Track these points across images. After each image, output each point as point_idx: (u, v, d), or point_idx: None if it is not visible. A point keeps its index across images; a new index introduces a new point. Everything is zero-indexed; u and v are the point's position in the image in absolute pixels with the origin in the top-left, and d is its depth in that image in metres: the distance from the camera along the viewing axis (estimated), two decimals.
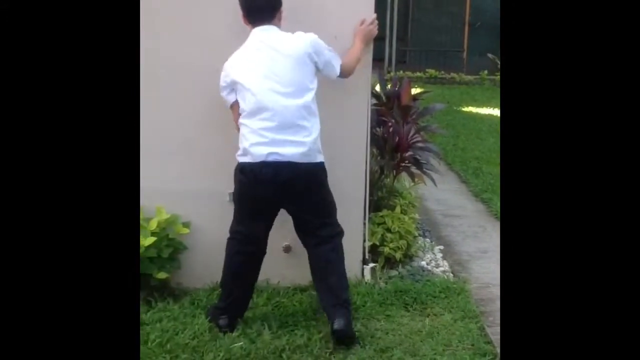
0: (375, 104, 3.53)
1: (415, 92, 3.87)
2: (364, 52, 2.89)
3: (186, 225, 3.00)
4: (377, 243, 3.29)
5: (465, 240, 4.04)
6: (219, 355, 2.47)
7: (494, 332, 2.70)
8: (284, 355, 2.51)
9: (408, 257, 3.47)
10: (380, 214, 3.41)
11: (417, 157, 3.56)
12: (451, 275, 3.38)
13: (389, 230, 3.34)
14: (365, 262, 3.19)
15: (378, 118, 3.51)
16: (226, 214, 2.80)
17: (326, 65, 2.65)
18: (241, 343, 2.55)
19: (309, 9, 2.84)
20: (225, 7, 2.83)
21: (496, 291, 3.08)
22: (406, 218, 3.45)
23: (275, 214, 2.68)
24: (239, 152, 2.59)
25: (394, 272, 3.31)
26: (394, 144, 3.49)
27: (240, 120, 2.59)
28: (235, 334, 2.62)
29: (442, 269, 3.46)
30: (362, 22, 2.86)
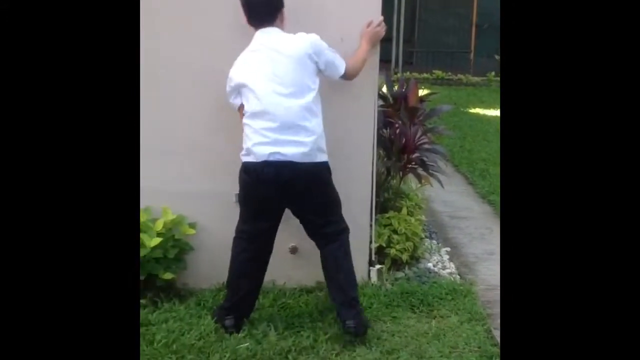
0: (382, 106, 3.53)
1: (422, 94, 3.86)
2: (371, 53, 2.88)
3: (192, 225, 3.00)
4: (384, 245, 3.28)
5: (472, 242, 4.02)
6: (225, 356, 2.47)
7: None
8: (290, 357, 2.51)
9: (414, 258, 3.46)
10: (387, 215, 3.41)
11: (424, 158, 3.55)
12: (458, 277, 3.37)
13: (395, 231, 3.33)
14: (371, 263, 3.19)
15: (385, 119, 3.50)
16: (232, 215, 2.80)
17: (327, 65, 2.65)
18: (247, 344, 2.55)
19: (315, 11, 2.84)
20: (225, 7, 2.84)
21: None
22: (413, 220, 3.44)
23: (280, 214, 2.69)
24: (243, 152, 2.61)
25: (400, 274, 3.30)
26: (400, 145, 3.49)
27: (244, 120, 2.61)
28: (241, 334, 2.62)
29: (448, 270, 3.45)
30: (369, 24, 2.86)
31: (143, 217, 2.85)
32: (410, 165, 3.55)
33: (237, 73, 2.62)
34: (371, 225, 3.18)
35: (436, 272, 3.38)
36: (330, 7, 2.88)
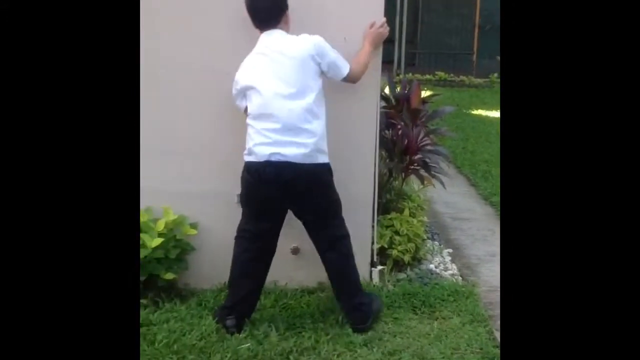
0: (384, 107, 3.53)
1: (425, 95, 3.85)
2: (373, 54, 2.88)
3: (194, 226, 3.00)
4: (386, 246, 3.28)
5: (474, 243, 4.02)
6: (226, 357, 2.47)
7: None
8: (291, 357, 2.50)
9: (416, 260, 3.46)
10: (389, 216, 3.40)
11: (426, 160, 3.55)
12: (460, 278, 3.37)
13: (397, 233, 3.33)
14: (373, 264, 3.18)
15: (387, 121, 3.50)
16: (233, 215, 2.80)
17: (330, 66, 2.65)
18: (248, 344, 2.55)
19: (317, 12, 2.84)
20: (225, 7, 2.84)
21: None
22: (415, 221, 3.43)
23: (282, 215, 2.69)
24: (245, 152, 2.62)
25: (402, 275, 3.30)
26: (403, 146, 3.48)
27: (247, 120, 2.63)
28: (242, 335, 2.62)
29: (450, 272, 3.44)
30: (372, 25, 2.86)
31: (144, 217, 2.85)
32: (412, 167, 3.55)
33: (243, 76, 2.63)
34: (373, 226, 3.18)
35: (438, 274, 3.38)
36: (332, 7, 2.88)
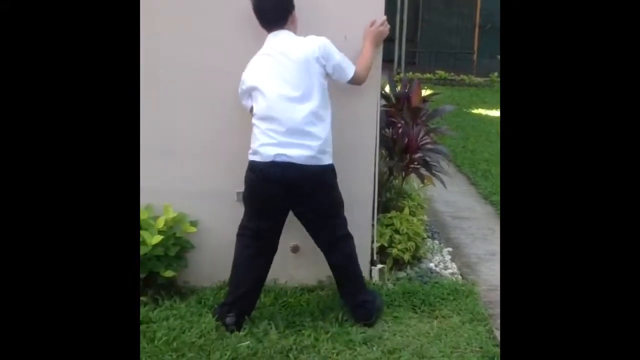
0: (384, 105, 3.52)
1: (425, 94, 3.85)
2: (375, 54, 2.88)
3: (193, 223, 3.00)
4: (386, 244, 3.28)
5: (474, 242, 4.02)
6: (225, 354, 2.47)
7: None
8: (290, 355, 2.50)
9: (416, 258, 3.46)
10: (389, 215, 3.40)
11: (427, 158, 3.55)
12: (460, 277, 3.37)
13: (397, 231, 3.33)
14: (373, 263, 3.18)
15: (387, 119, 3.49)
16: (234, 213, 2.80)
17: (335, 69, 2.65)
18: (248, 342, 2.55)
19: (318, 11, 2.83)
20: (225, 7, 2.83)
21: None
22: (415, 220, 3.43)
23: (285, 214, 2.70)
24: (250, 151, 2.63)
25: (402, 274, 3.30)
26: (403, 145, 3.48)
27: (253, 120, 2.64)
28: (242, 333, 2.62)
29: (450, 271, 3.44)
30: (372, 24, 2.85)
31: (144, 215, 2.85)
32: (412, 165, 3.55)
33: (249, 76, 2.64)
34: (373, 225, 3.18)
35: (438, 272, 3.38)
36: (332, 6, 2.87)
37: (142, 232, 2.76)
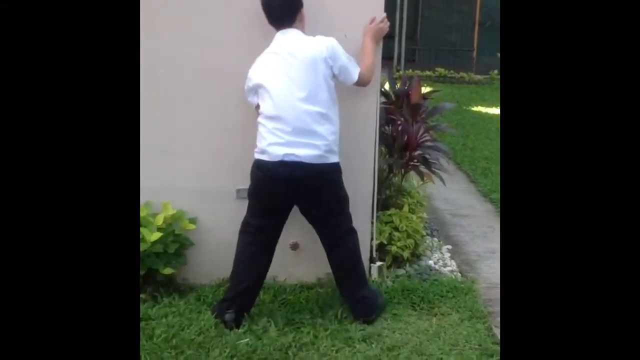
0: (384, 103, 3.52)
1: (425, 91, 3.85)
2: (375, 51, 2.87)
3: (192, 221, 3.00)
4: (385, 242, 3.28)
5: (474, 240, 4.02)
6: (224, 352, 2.47)
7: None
8: (290, 353, 2.50)
9: (416, 256, 3.46)
10: (388, 212, 3.40)
11: (426, 156, 3.54)
12: (459, 275, 3.37)
13: (396, 229, 3.33)
14: (372, 260, 3.18)
15: (387, 117, 3.49)
16: (233, 211, 2.80)
17: (342, 70, 2.66)
18: (247, 339, 2.55)
19: (318, 9, 2.82)
20: (225, 7, 2.83)
21: None
22: (414, 217, 3.43)
23: (288, 211, 2.71)
24: (257, 150, 2.63)
25: (401, 271, 3.30)
26: (402, 142, 3.48)
27: (259, 119, 2.63)
28: (241, 330, 2.62)
29: (449, 268, 3.44)
30: (372, 21, 2.85)
31: (143, 212, 2.85)
32: (412, 163, 3.54)
33: (256, 74, 2.64)
34: (372, 222, 3.18)
35: (437, 270, 3.38)
36: (332, 4, 2.86)
37: (141, 230, 2.76)
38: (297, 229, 2.89)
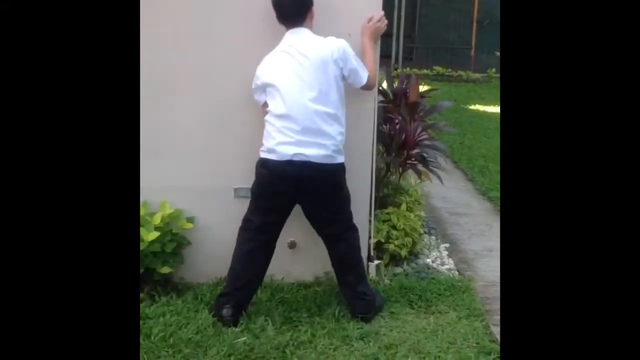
0: (382, 101, 3.52)
1: (423, 90, 3.85)
2: (374, 51, 2.87)
3: (190, 220, 2.99)
4: (383, 240, 3.28)
5: (471, 238, 4.02)
6: (222, 350, 2.46)
7: (499, 331, 2.68)
8: (287, 351, 2.50)
9: (413, 254, 3.46)
10: (386, 211, 3.40)
11: (424, 154, 3.54)
12: (456, 273, 3.37)
13: (394, 227, 3.33)
14: (370, 259, 3.18)
15: (385, 115, 3.49)
16: (230, 210, 2.80)
17: (351, 73, 2.66)
18: (244, 338, 2.55)
19: (319, 9, 2.81)
20: (225, 7, 2.82)
21: None
22: (412, 215, 3.43)
23: (290, 210, 2.72)
24: (263, 149, 2.62)
25: (399, 270, 3.30)
26: (400, 141, 3.48)
27: (267, 118, 2.63)
28: (238, 329, 2.62)
29: (447, 266, 3.44)
30: (369, 20, 2.84)
31: (141, 211, 2.84)
32: (409, 161, 3.55)
33: (265, 72, 2.64)
34: (370, 221, 3.17)
35: (435, 268, 3.38)
36: (333, 3, 2.85)
37: None
38: (294, 228, 2.89)
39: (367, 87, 2.78)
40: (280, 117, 2.56)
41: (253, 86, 2.71)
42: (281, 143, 2.55)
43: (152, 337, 2.52)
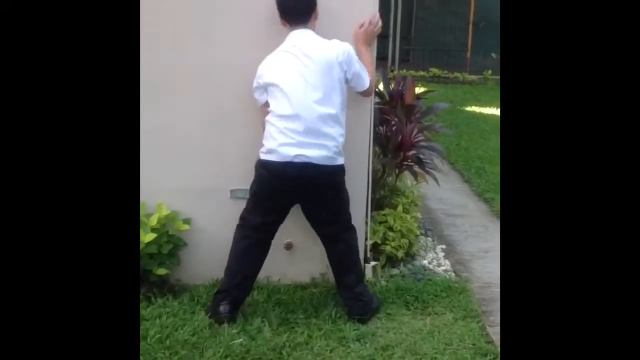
0: (378, 103, 3.52)
1: (419, 92, 3.85)
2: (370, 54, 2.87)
3: (186, 221, 2.99)
4: (379, 241, 3.28)
5: (467, 239, 4.02)
6: (218, 352, 2.46)
7: (496, 332, 2.69)
8: (284, 353, 2.50)
9: (410, 256, 3.46)
10: (383, 212, 3.40)
11: (420, 156, 3.55)
12: (453, 274, 3.37)
13: (390, 228, 3.33)
14: (366, 260, 3.18)
15: (381, 117, 3.50)
16: (227, 211, 2.80)
17: (354, 77, 2.67)
18: (241, 340, 2.55)
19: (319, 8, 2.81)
20: (225, 7, 2.82)
21: (498, 291, 3.05)
22: (408, 217, 3.44)
23: (288, 210, 2.73)
24: (263, 150, 2.62)
25: (395, 271, 3.30)
26: (397, 142, 3.48)
27: (268, 119, 2.62)
28: (235, 330, 2.62)
29: (443, 268, 3.45)
30: (362, 25, 2.82)
31: None
32: (406, 163, 3.55)
33: (268, 72, 2.63)
34: (366, 222, 3.18)
35: (431, 270, 3.39)
36: (332, 3, 2.85)
37: None
38: (291, 229, 2.89)
39: (368, 92, 2.78)
40: (283, 117, 2.56)
41: (254, 85, 2.70)
42: (283, 144, 2.54)
43: (149, 339, 2.52)
